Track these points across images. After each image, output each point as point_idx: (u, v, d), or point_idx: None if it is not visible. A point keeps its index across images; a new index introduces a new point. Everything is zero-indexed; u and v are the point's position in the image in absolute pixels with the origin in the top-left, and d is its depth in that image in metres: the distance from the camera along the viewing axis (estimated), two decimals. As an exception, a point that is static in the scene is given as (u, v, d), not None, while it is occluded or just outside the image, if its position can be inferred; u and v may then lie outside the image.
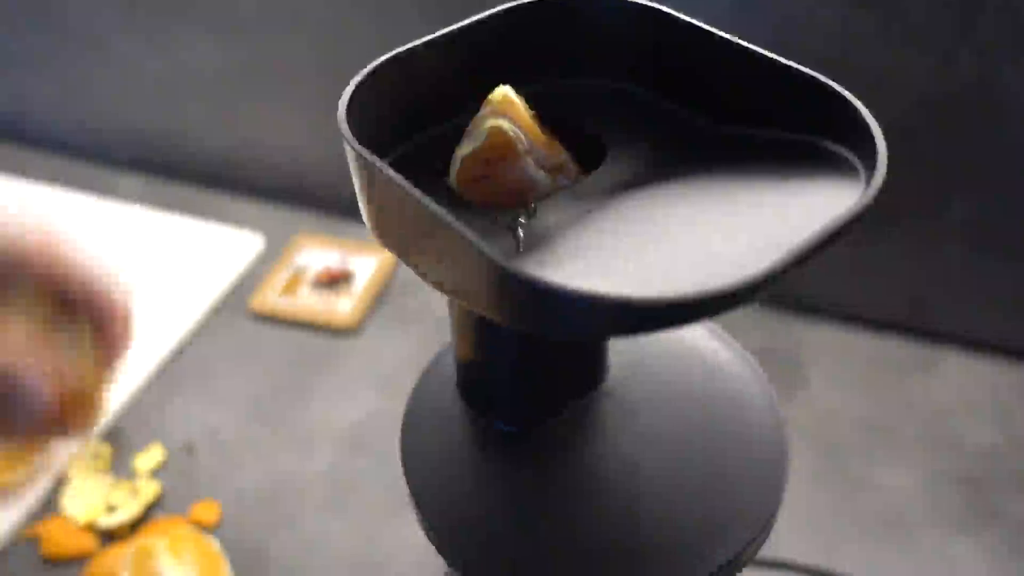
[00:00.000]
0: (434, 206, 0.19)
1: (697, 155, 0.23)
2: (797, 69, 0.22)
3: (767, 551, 0.51)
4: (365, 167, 0.21)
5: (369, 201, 0.22)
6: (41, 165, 0.81)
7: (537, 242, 0.21)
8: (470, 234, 0.19)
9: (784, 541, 0.52)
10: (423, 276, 0.22)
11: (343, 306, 0.66)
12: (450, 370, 0.30)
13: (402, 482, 0.56)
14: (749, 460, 0.27)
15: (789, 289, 0.65)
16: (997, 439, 0.56)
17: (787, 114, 0.23)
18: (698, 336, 0.31)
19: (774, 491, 0.26)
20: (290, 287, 0.67)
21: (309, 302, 0.66)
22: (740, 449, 0.27)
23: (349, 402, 0.61)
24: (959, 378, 0.60)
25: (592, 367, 0.27)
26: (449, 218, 0.19)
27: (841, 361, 0.61)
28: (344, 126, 0.21)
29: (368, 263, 0.69)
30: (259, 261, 0.71)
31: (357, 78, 0.23)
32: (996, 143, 0.52)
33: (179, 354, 0.64)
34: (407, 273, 0.69)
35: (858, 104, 0.21)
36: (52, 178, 0.80)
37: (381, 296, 0.68)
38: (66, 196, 0.77)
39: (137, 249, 0.72)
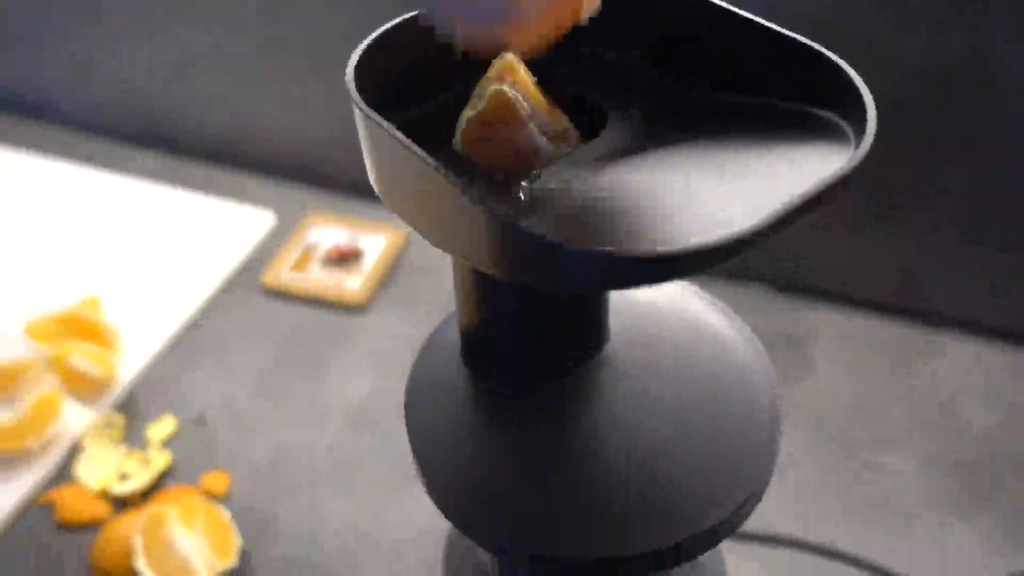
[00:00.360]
0: (439, 166, 0.20)
1: (691, 123, 0.24)
2: (788, 35, 0.22)
3: (766, 529, 0.52)
4: (371, 128, 0.22)
5: (376, 163, 0.23)
6: (56, 141, 0.82)
7: (536, 204, 0.22)
8: (473, 192, 0.20)
9: (783, 522, 0.52)
10: (426, 235, 0.23)
11: (352, 283, 0.67)
12: (453, 339, 0.31)
13: (406, 457, 0.57)
14: (745, 430, 0.27)
15: (795, 272, 0.66)
16: (996, 423, 0.57)
17: (779, 82, 0.23)
18: (702, 311, 0.31)
19: (766, 460, 0.27)
20: (301, 264, 0.68)
21: (319, 279, 0.67)
22: (737, 419, 0.28)
23: (357, 378, 0.62)
24: (961, 362, 0.60)
25: (591, 332, 0.28)
26: (452, 177, 0.20)
27: (845, 344, 0.62)
28: (352, 87, 0.22)
29: (378, 242, 0.70)
30: (271, 238, 0.72)
31: (365, 43, 0.24)
32: (990, 115, 0.52)
33: (192, 328, 0.65)
34: (415, 253, 0.70)
35: (849, 70, 0.21)
36: (66, 154, 0.81)
37: (390, 274, 0.68)
38: (80, 172, 0.78)
39: (152, 225, 0.73)
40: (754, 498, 0.26)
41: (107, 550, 0.52)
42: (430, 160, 0.20)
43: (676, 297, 0.31)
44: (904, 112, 0.55)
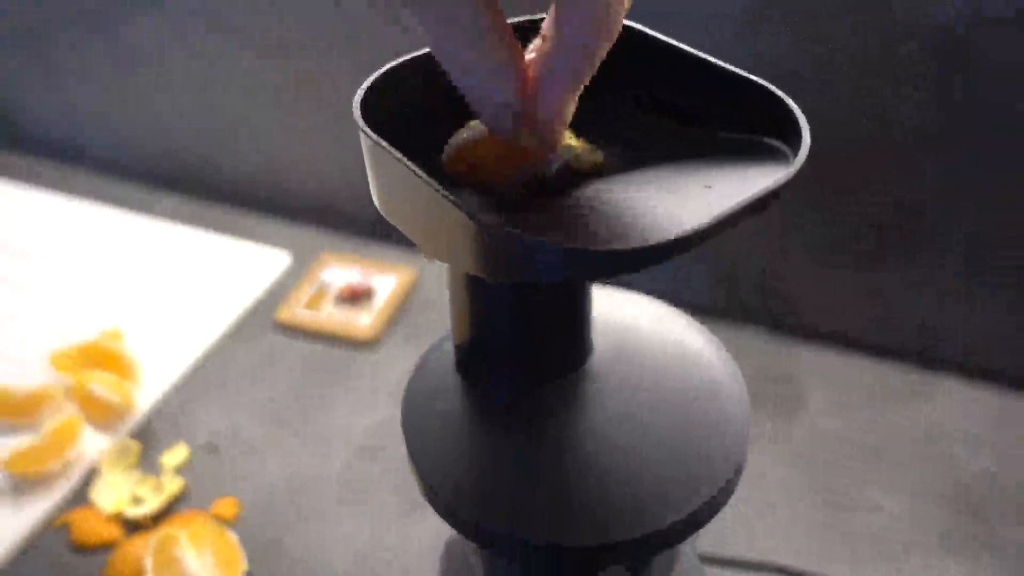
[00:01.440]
0: (433, 182, 0.23)
1: (657, 150, 0.27)
2: (738, 74, 0.25)
3: (754, 558, 0.53)
4: (372, 148, 0.25)
5: (378, 183, 0.26)
6: (85, 184, 0.86)
7: (518, 212, 0.24)
8: (461, 203, 0.22)
9: (773, 555, 0.53)
10: (421, 245, 0.25)
11: (363, 320, 0.69)
12: (448, 351, 0.33)
13: (410, 486, 0.59)
14: (714, 437, 0.30)
15: (789, 314, 0.68)
16: (989, 465, 0.58)
17: (736, 113, 0.26)
18: (680, 330, 0.34)
19: (733, 463, 0.29)
20: (314, 301, 0.71)
21: (332, 316, 0.70)
22: (707, 428, 0.30)
23: (365, 410, 0.64)
24: (953, 403, 0.62)
25: (575, 341, 0.30)
26: (445, 192, 0.23)
27: (840, 385, 0.64)
28: (358, 113, 0.25)
29: (389, 281, 0.73)
30: (286, 277, 0.75)
31: (372, 77, 0.27)
32: (970, 102, 0.53)
33: (207, 360, 0.68)
34: (424, 292, 0.72)
35: (792, 105, 0.24)
36: (95, 196, 0.84)
37: (399, 312, 0.71)
38: (107, 213, 0.81)
39: (174, 263, 0.76)
40: (723, 493, 0.28)
41: (119, 571, 0.54)
42: (426, 178, 0.23)
43: (656, 317, 0.34)
44: (877, 102, 0.56)
